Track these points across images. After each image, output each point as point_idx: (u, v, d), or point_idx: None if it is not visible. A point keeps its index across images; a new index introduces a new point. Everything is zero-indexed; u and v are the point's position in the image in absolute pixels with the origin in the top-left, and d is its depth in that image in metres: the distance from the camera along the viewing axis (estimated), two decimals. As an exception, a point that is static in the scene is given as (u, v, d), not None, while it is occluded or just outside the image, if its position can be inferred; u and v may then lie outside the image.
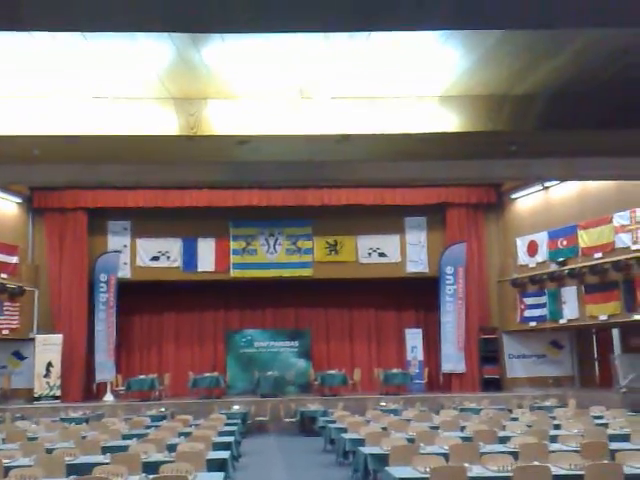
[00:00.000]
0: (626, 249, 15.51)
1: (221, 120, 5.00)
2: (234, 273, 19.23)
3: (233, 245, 19.37)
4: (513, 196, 19.55)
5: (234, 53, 4.27)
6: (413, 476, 6.99)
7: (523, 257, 18.85)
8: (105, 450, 8.87)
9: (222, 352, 20.12)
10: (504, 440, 9.30)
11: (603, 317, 16.16)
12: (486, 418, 12.32)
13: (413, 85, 4.88)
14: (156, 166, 5.42)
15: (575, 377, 19.42)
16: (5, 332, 17.21)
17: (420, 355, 19.39)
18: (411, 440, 9.34)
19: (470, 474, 6.87)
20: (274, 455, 13.29)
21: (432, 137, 5.00)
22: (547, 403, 15.92)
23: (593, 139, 5.06)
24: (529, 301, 18.57)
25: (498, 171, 5.84)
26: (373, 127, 4.96)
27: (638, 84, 4.61)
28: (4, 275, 17.30)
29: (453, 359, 19.03)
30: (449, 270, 19.28)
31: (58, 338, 17.88)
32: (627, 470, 6.97)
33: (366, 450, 8.93)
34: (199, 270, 19.19)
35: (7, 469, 7.44)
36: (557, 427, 11.05)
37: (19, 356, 18.22)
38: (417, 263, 19.74)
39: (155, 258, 19.28)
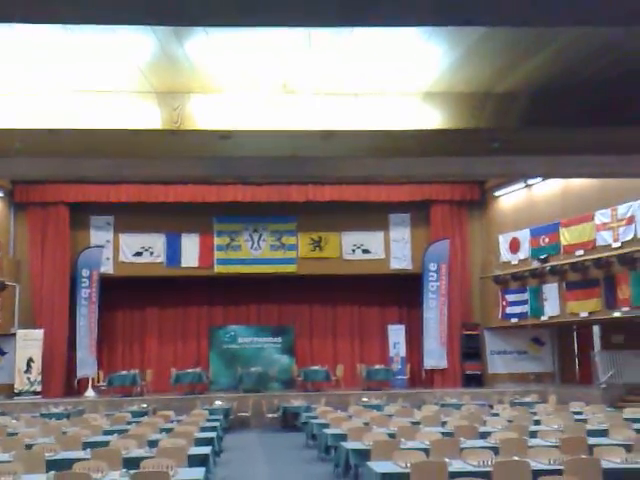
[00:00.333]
0: (607, 247, 15.68)
1: (204, 114, 4.98)
2: (218, 269, 19.19)
3: (217, 241, 19.32)
4: (496, 193, 19.68)
5: (218, 47, 4.25)
6: (394, 471, 7.04)
7: (505, 254, 18.99)
8: (86, 446, 8.85)
9: (205, 348, 20.10)
10: (484, 435, 9.39)
11: (584, 314, 16.34)
12: (467, 413, 12.41)
13: (396, 82, 4.90)
14: (139, 160, 5.38)
15: (555, 373, 19.64)
16: (-15, 327, 17.08)
17: (402, 351, 19.49)
18: (392, 435, 9.41)
19: (451, 469, 6.93)
20: (256, 450, 13.30)
21: (415, 134, 5.01)
22: (528, 399, 16.07)
23: (575, 136, 5.09)
24: (511, 298, 18.72)
25: (481, 168, 5.85)
26: (356, 123, 4.97)
27: (619, 82, 4.66)
28: (-15, 270, 17.14)
29: (435, 355, 19.15)
30: (432, 267, 19.38)
31: (39, 333, 17.75)
32: (605, 464, 7.10)
33: (348, 445, 8.98)
34: (183, 266, 19.14)
35: (-14, 464, 7.40)
36: (537, 423, 11.16)
37: (0, 351, 18.08)
38: (401, 260, 19.82)
39: (138, 253, 19.19)
